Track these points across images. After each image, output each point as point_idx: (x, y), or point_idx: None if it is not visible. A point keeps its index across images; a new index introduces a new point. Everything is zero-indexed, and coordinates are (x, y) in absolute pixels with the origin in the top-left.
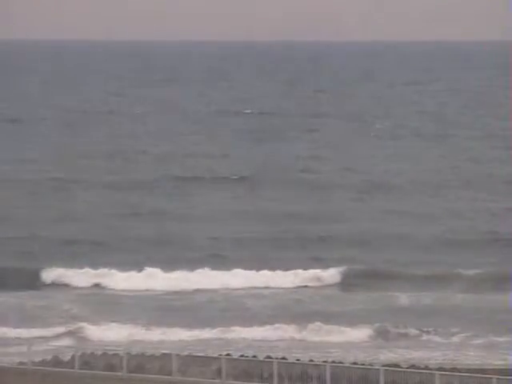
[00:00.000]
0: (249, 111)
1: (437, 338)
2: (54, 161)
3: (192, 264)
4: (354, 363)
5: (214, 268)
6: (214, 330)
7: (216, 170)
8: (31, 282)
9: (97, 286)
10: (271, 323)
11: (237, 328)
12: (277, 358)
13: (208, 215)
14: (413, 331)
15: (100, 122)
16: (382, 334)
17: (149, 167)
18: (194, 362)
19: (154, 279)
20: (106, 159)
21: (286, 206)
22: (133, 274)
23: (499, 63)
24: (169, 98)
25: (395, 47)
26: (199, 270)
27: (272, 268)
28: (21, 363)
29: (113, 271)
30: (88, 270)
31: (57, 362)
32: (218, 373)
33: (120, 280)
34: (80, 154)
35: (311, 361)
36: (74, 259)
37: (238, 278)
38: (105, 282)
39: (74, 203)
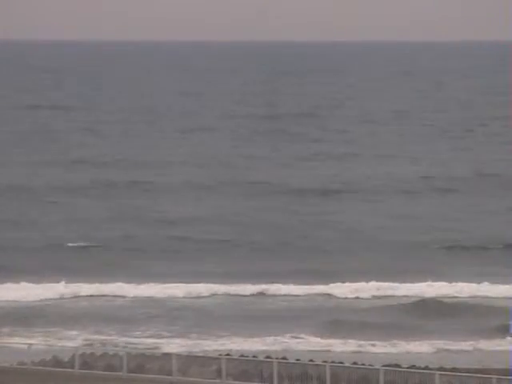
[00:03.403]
0: None
1: None
2: None
3: None
4: (354, 363)
5: None
6: None
7: None
8: None
9: None
10: None
11: None
12: (277, 358)
13: None
14: None
15: None
16: None
17: None
18: (194, 362)
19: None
20: None
21: None
22: None
23: None
24: None
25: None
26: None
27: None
28: (21, 363)
29: None
30: None
31: (57, 361)
32: (218, 373)
33: None
34: None
35: (311, 361)
36: None
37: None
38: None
39: None
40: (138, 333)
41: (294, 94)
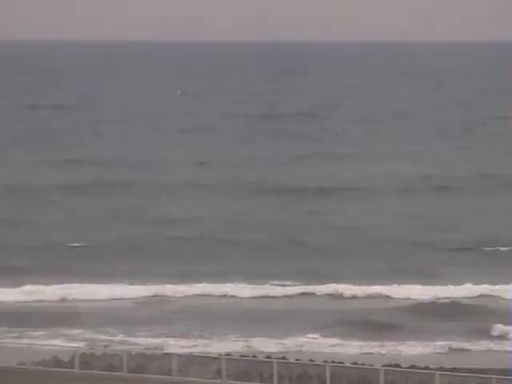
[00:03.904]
0: None
1: None
2: None
3: None
4: (354, 363)
5: None
6: None
7: None
8: None
9: None
10: None
11: None
12: (277, 358)
13: None
14: None
15: None
16: None
17: None
18: (194, 362)
19: None
20: None
21: None
22: None
23: None
24: None
25: None
26: None
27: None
28: (21, 363)
29: None
30: None
31: (57, 361)
32: (218, 373)
33: None
34: None
35: (311, 361)
36: None
37: None
38: None
39: None
40: (138, 333)
41: (294, 94)
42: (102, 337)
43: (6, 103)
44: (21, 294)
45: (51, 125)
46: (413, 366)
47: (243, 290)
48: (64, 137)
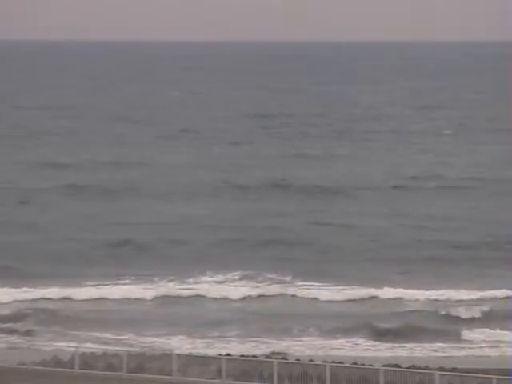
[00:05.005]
0: None
1: None
2: None
3: None
4: (354, 363)
5: None
6: None
7: None
8: None
9: None
10: None
11: None
12: (277, 358)
13: None
14: None
15: None
16: None
17: None
18: (194, 362)
19: None
20: None
21: None
22: None
23: None
24: None
25: None
26: None
27: None
28: (21, 363)
29: None
30: None
31: (57, 362)
32: (218, 373)
33: None
34: None
35: (311, 361)
36: None
37: None
38: None
39: None
40: (139, 333)
41: (294, 94)
42: (101, 335)
43: None
44: (22, 294)
45: (47, 125)
46: (413, 366)
47: (242, 290)
48: (55, 137)
